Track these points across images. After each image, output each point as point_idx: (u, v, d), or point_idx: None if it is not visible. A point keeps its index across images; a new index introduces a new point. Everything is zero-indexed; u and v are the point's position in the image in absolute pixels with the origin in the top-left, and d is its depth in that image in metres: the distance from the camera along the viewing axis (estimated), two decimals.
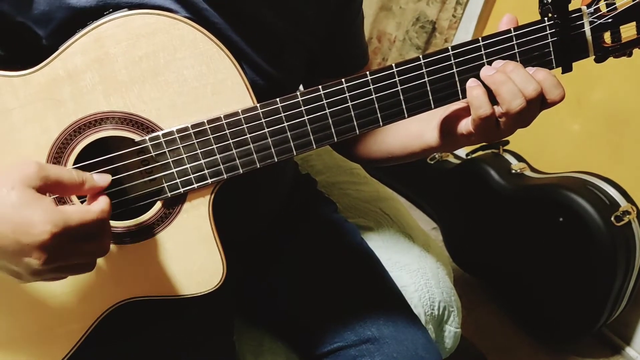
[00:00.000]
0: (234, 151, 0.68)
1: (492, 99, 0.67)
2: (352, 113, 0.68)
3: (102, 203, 0.61)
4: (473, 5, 2.22)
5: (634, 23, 0.67)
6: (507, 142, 2.00)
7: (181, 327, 0.82)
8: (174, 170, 0.68)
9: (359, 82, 0.67)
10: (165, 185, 0.69)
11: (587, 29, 0.67)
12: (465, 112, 0.72)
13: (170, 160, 0.67)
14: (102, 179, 0.63)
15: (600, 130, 1.88)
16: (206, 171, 0.68)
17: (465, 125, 0.71)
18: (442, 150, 0.82)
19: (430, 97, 0.68)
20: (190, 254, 0.72)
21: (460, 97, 0.69)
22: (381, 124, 0.69)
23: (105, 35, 0.63)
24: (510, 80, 0.65)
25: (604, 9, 0.66)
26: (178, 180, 0.68)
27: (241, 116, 0.66)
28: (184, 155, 0.67)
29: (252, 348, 0.95)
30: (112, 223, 0.69)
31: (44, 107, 0.64)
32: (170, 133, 0.66)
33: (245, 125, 0.67)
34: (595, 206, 1.62)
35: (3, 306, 0.71)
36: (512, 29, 0.67)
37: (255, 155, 0.68)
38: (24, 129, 0.65)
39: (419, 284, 1.11)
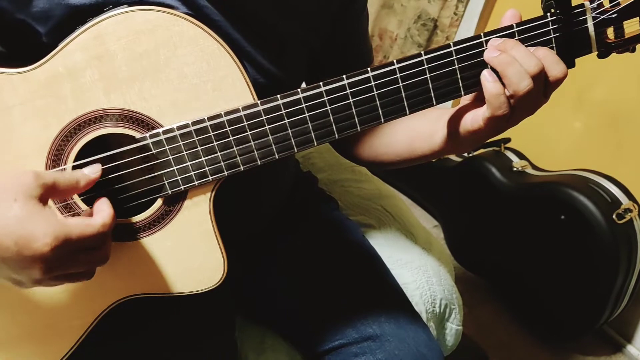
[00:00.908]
0: (234, 148, 0.67)
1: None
2: (353, 110, 0.68)
3: (104, 216, 0.61)
4: (474, 3, 2.22)
5: (637, 18, 0.66)
6: (509, 140, 2.00)
7: (182, 325, 0.82)
8: (174, 167, 0.68)
9: (359, 78, 0.66)
10: (165, 182, 0.68)
11: (590, 24, 0.66)
12: (471, 106, 0.71)
13: (170, 157, 0.67)
14: (92, 170, 0.63)
15: (602, 128, 1.88)
16: (207, 168, 0.68)
17: (473, 122, 0.69)
18: (451, 152, 0.81)
19: (432, 94, 0.68)
20: (191, 251, 0.72)
21: (462, 93, 0.69)
22: (382, 120, 0.68)
23: (105, 32, 0.63)
24: (516, 61, 0.64)
25: (607, 4, 0.66)
26: (179, 178, 0.68)
27: (242, 113, 0.66)
28: (185, 152, 0.67)
29: (254, 345, 0.95)
30: None
31: (44, 104, 0.64)
32: (171, 130, 0.66)
33: (246, 122, 0.66)
34: (597, 204, 1.62)
35: (3, 304, 0.71)
36: (514, 24, 0.66)
37: (256, 152, 0.68)
38: (24, 126, 0.64)
39: (420, 281, 1.11)
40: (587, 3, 0.66)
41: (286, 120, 0.67)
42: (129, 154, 0.68)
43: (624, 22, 0.67)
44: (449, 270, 1.20)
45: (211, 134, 0.66)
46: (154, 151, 0.67)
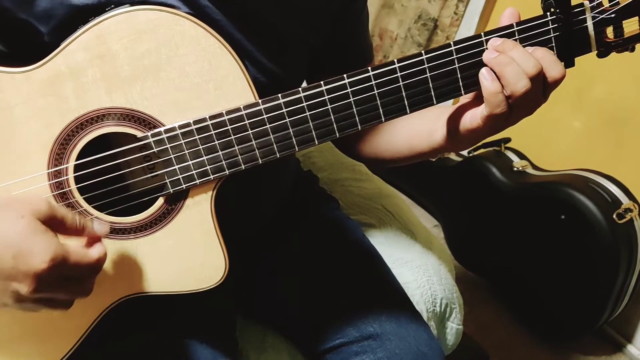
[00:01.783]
0: (236, 147, 0.68)
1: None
2: (354, 109, 0.68)
3: (100, 251, 0.62)
4: (475, 3, 2.22)
5: (636, 18, 0.67)
6: (509, 140, 2.00)
7: (183, 324, 0.83)
8: (176, 166, 0.68)
9: (360, 77, 0.67)
10: (167, 181, 0.69)
11: (589, 23, 0.67)
12: (471, 105, 0.71)
13: (172, 156, 0.67)
14: (101, 228, 0.64)
15: (602, 128, 1.88)
16: (208, 167, 0.68)
17: (472, 120, 0.70)
18: (450, 150, 0.81)
19: (433, 93, 0.68)
20: (193, 250, 0.72)
21: (463, 92, 0.69)
22: (383, 119, 0.69)
23: (107, 32, 0.63)
24: (514, 62, 0.64)
25: (606, 4, 0.66)
26: (180, 176, 0.68)
27: (243, 112, 0.66)
28: (186, 151, 0.67)
29: (255, 345, 0.95)
30: (115, 219, 0.70)
31: (47, 103, 0.64)
32: (172, 129, 0.66)
33: (247, 121, 0.67)
34: (597, 204, 1.62)
35: None
36: (514, 23, 0.66)
37: (257, 151, 0.68)
38: (26, 125, 0.65)
39: (421, 280, 1.11)
40: (586, 2, 0.66)
41: (287, 119, 0.67)
42: (130, 152, 0.68)
43: (624, 22, 0.67)
44: (450, 270, 1.20)
45: (212, 132, 0.67)
46: (155, 150, 0.67)
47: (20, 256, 0.55)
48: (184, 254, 0.73)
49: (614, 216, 1.61)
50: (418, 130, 0.83)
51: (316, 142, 0.69)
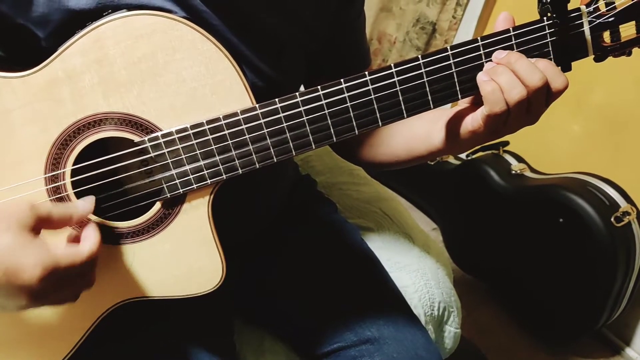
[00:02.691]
0: (233, 152, 0.68)
1: None
2: (351, 113, 0.68)
3: (92, 243, 0.62)
4: (473, 7, 2.22)
5: (633, 22, 0.67)
6: (507, 143, 2.01)
7: (181, 328, 0.82)
8: (173, 171, 0.68)
9: (357, 82, 0.67)
10: (164, 185, 0.69)
11: (586, 28, 0.67)
12: (470, 110, 0.71)
13: (169, 160, 0.67)
14: (85, 205, 0.64)
15: (600, 131, 1.88)
16: (205, 172, 0.68)
17: (473, 121, 0.70)
18: (448, 153, 0.81)
19: (430, 97, 0.68)
20: (190, 254, 0.72)
21: (460, 97, 0.69)
22: (380, 124, 0.69)
23: (104, 36, 0.63)
24: (508, 71, 0.65)
25: (603, 8, 0.66)
26: (177, 181, 0.68)
27: (240, 117, 0.66)
28: (183, 156, 0.67)
29: (253, 348, 0.95)
30: (112, 223, 0.70)
31: (43, 108, 0.64)
32: (170, 134, 0.66)
33: (244, 126, 0.67)
34: (595, 207, 1.62)
35: None
36: (511, 28, 0.67)
37: (254, 156, 0.68)
38: (23, 129, 0.65)
39: (418, 284, 1.11)
40: (583, 7, 0.66)
41: (284, 124, 0.67)
42: (127, 157, 0.68)
43: (620, 26, 0.67)
44: (448, 273, 1.20)
45: (210, 137, 0.67)
46: (152, 155, 0.67)
47: (10, 272, 0.54)
48: (181, 258, 0.73)
49: (612, 219, 1.61)
50: (415, 133, 0.83)
51: (313, 147, 0.69)
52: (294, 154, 0.69)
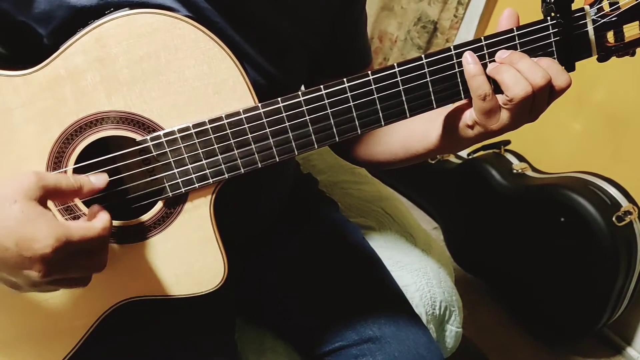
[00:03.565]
0: (235, 151, 0.68)
1: (498, 89, 0.66)
2: (354, 113, 0.68)
3: (104, 220, 0.61)
4: (475, 5, 2.22)
5: (637, 22, 0.66)
6: (509, 142, 2.00)
7: (182, 327, 0.83)
8: (175, 170, 0.68)
9: (360, 81, 0.67)
10: (166, 185, 0.68)
11: (590, 28, 0.67)
12: (469, 106, 0.71)
13: (171, 159, 0.67)
14: (99, 179, 0.64)
15: (602, 130, 1.88)
16: (207, 171, 0.68)
17: (470, 116, 0.69)
18: (446, 151, 0.81)
19: (433, 97, 0.68)
20: (192, 253, 0.72)
21: (463, 97, 0.69)
22: (383, 123, 0.69)
23: (106, 35, 0.63)
24: (512, 68, 0.65)
25: (607, 8, 0.66)
26: (179, 180, 0.68)
27: (242, 116, 0.66)
28: (185, 155, 0.67)
29: (254, 347, 0.95)
30: (114, 222, 0.69)
31: (45, 106, 0.64)
32: (172, 133, 0.66)
33: (246, 125, 0.67)
34: (597, 206, 1.62)
35: (5, 304, 0.71)
36: (514, 28, 0.66)
37: (256, 155, 0.68)
38: (25, 128, 0.65)
39: (420, 283, 1.11)
40: (587, 7, 0.66)
41: (287, 123, 0.67)
42: (130, 156, 0.68)
43: (624, 26, 0.67)
44: (449, 273, 1.20)
45: (212, 136, 0.67)
46: (154, 153, 0.67)
47: (22, 243, 0.54)
48: (183, 257, 0.73)
49: (614, 219, 1.61)
50: (413, 131, 0.83)
51: (316, 146, 0.69)
52: (297, 154, 0.69)
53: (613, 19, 0.66)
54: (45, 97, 0.64)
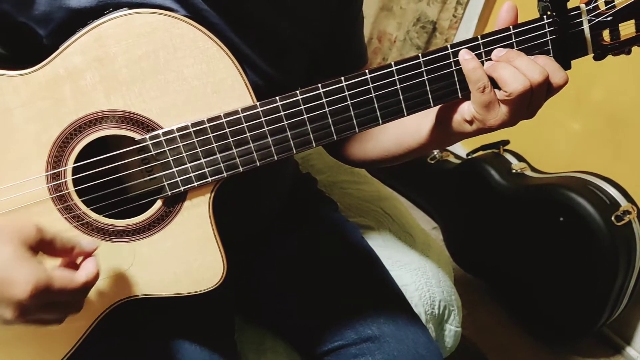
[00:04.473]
0: (234, 150, 0.68)
1: (495, 87, 0.67)
2: (352, 112, 0.68)
3: (89, 273, 0.61)
4: (473, 6, 2.23)
5: (632, 21, 0.67)
6: (508, 142, 2.00)
7: (181, 325, 0.83)
8: (174, 169, 0.68)
9: (358, 80, 0.67)
10: (165, 183, 0.69)
11: (585, 27, 0.67)
12: (464, 101, 0.71)
13: (170, 158, 0.68)
14: (89, 245, 0.64)
15: (601, 130, 1.88)
16: (206, 169, 0.68)
17: (468, 111, 0.69)
18: (440, 146, 0.81)
19: (430, 96, 0.68)
20: (191, 252, 0.72)
21: (460, 95, 0.69)
22: (380, 122, 0.69)
23: (105, 35, 0.63)
24: (510, 65, 0.65)
25: (602, 7, 0.66)
26: (178, 179, 0.69)
27: (241, 115, 0.66)
28: (184, 154, 0.68)
29: (254, 347, 0.95)
30: (113, 221, 0.70)
31: (45, 106, 0.65)
32: (171, 132, 0.66)
33: (245, 124, 0.67)
34: (596, 206, 1.62)
35: None
36: (511, 26, 0.67)
37: (255, 154, 0.68)
38: (25, 127, 0.65)
39: (419, 283, 1.11)
40: (582, 5, 0.66)
41: (285, 122, 0.67)
42: (128, 155, 0.68)
43: (620, 25, 0.67)
44: (448, 272, 1.20)
45: (210, 135, 0.67)
46: (153, 152, 0.67)
47: (2, 284, 0.54)
48: (182, 256, 0.73)
49: (613, 218, 1.61)
50: (406, 126, 0.83)
51: (314, 145, 0.69)
52: (295, 152, 0.69)
53: (608, 17, 0.66)
54: (45, 96, 0.64)
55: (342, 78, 0.67)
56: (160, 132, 0.66)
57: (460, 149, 2.32)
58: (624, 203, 1.66)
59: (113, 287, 0.73)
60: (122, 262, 0.72)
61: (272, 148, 0.68)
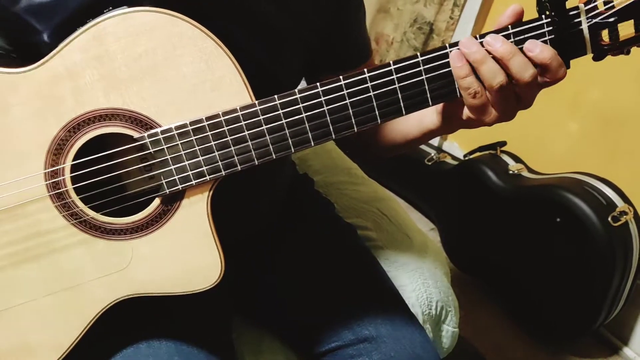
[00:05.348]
0: (232, 148, 0.68)
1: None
2: (350, 111, 0.68)
3: None
4: (470, 7, 2.23)
5: (632, 21, 0.67)
6: (505, 143, 2.01)
7: (179, 324, 0.82)
8: (172, 167, 0.68)
9: (356, 79, 0.67)
10: (163, 182, 0.69)
11: (584, 26, 0.67)
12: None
13: (168, 157, 0.68)
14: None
15: (597, 131, 1.89)
16: (204, 168, 0.68)
17: (465, 110, 0.71)
18: (442, 132, 0.82)
19: (428, 95, 0.68)
20: (188, 250, 0.72)
21: (458, 95, 0.69)
22: (379, 121, 0.69)
23: (104, 33, 0.63)
24: (489, 59, 0.66)
25: (601, 7, 0.66)
26: (176, 177, 0.68)
27: (239, 113, 0.66)
28: (183, 152, 0.67)
29: (251, 347, 0.95)
30: (112, 219, 0.70)
31: (44, 104, 0.65)
32: (169, 130, 0.66)
33: (243, 122, 0.67)
34: (593, 207, 1.62)
35: (4, 303, 0.71)
36: (509, 26, 0.67)
37: (253, 152, 0.68)
38: (24, 125, 0.65)
39: (416, 283, 1.11)
40: (581, 5, 0.66)
41: (284, 120, 0.67)
42: (127, 153, 0.68)
43: (619, 25, 0.67)
44: (445, 273, 1.20)
45: (209, 133, 0.67)
46: (151, 151, 0.67)
47: None
48: (180, 254, 0.73)
49: (609, 219, 1.61)
50: (408, 118, 0.84)
51: (312, 144, 0.69)
52: (293, 151, 0.69)
53: (607, 17, 0.66)
54: (44, 94, 0.64)
55: (341, 77, 0.67)
56: (158, 130, 0.66)
57: (458, 150, 2.32)
58: (620, 204, 1.66)
59: (110, 286, 0.73)
60: (120, 260, 0.72)
61: (271, 147, 0.68)
